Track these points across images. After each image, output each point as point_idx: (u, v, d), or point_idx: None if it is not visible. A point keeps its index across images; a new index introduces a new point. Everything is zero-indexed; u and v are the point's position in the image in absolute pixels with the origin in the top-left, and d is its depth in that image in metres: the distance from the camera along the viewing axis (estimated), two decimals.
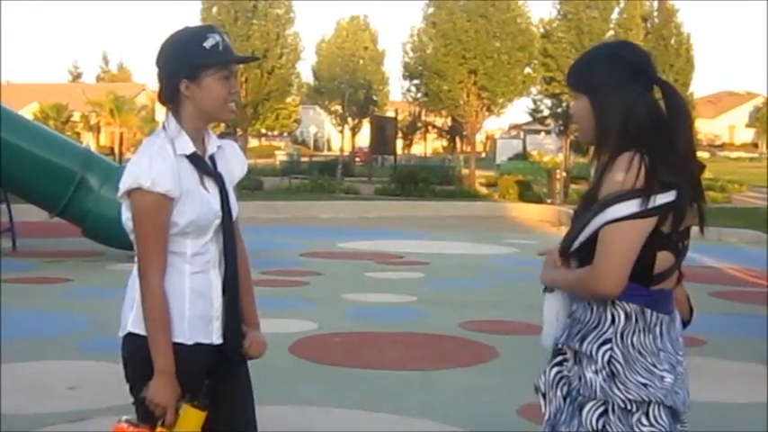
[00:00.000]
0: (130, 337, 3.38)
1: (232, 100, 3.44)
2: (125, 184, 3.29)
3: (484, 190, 35.75)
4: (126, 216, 3.37)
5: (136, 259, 3.36)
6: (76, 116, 70.33)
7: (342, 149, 64.25)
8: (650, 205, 2.90)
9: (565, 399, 3.10)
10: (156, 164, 3.27)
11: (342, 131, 66.28)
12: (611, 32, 43.83)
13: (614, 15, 44.47)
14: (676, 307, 3.14)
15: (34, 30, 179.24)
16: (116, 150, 52.43)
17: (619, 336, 3.01)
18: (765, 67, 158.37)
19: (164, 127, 3.42)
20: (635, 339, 3.00)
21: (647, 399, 2.98)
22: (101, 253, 15.35)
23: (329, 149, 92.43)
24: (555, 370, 3.16)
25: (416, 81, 47.32)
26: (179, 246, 3.35)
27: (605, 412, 3.00)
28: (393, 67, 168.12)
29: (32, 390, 7.34)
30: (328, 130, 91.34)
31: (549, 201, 30.32)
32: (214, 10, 40.84)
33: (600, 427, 3.00)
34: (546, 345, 3.22)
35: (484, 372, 8.36)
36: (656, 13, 48.76)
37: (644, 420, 2.99)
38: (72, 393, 7.28)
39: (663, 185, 2.93)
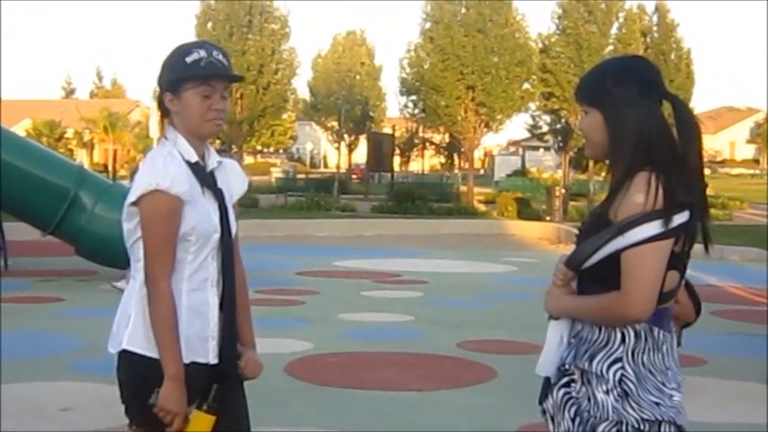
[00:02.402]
0: (125, 354, 3.34)
1: (214, 117, 3.38)
2: (141, 187, 3.25)
3: (482, 207, 35.64)
4: (129, 226, 3.32)
5: (135, 271, 3.34)
6: (70, 133, 70.29)
7: (338, 166, 64.22)
8: (670, 226, 2.90)
9: (573, 420, 3.05)
10: (171, 166, 3.28)
11: (338, 148, 66.30)
12: (611, 47, 43.86)
13: (613, 30, 44.54)
14: (679, 310, 3.16)
15: (26, 45, 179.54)
16: (110, 167, 52.50)
17: (630, 354, 2.99)
18: (766, 82, 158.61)
19: (166, 137, 3.41)
20: (645, 358, 3.00)
21: (659, 418, 2.97)
22: (94, 272, 15.25)
23: (325, 166, 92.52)
24: (562, 391, 3.09)
25: (414, 97, 47.31)
26: (177, 262, 3.30)
27: None
28: (390, 83, 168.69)
29: (24, 411, 7.24)
30: (324, 146, 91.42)
31: (548, 218, 30.25)
32: (209, 25, 40.86)
33: None
34: (542, 372, 3.15)
35: (482, 392, 8.26)
36: (655, 28, 48.86)
37: None
38: (64, 415, 7.21)
39: (679, 205, 2.92)
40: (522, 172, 61.14)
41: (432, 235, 25.23)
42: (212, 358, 3.39)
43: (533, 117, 51.17)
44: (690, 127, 3.04)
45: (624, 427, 2.97)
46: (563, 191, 31.78)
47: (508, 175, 58.41)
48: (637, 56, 3.24)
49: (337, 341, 10.23)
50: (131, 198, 3.26)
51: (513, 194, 35.35)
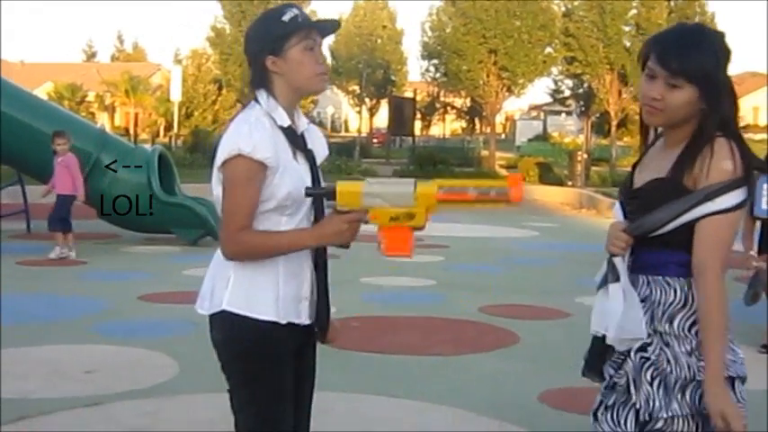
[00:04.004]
0: (225, 315, 3.34)
1: (323, 71, 3.41)
2: (224, 152, 3.24)
3: (504, 172, 35.57)
4: (218, 191, 3.33)
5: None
6: (91, 96, 70.31)
7: (359, 130, 64.13)
8: (749, 193, 3.01)
9: (652, 383, 3.05)
10: (256, 131, 3.25)
11: (359, 112, 66.16)
12: (634, 11, 43.56)
13: None
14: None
15: (48, 8, 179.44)
16: (131, 131, 52.59)
17: None
18: None
19: (256, 100, 3.38)
20: None
21: (735, 374, 3.04)
22: (116, 235, 15.31)
23: (347, 130, 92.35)
24: (638, 356, 3.09)
25: (435, 61, 47.20)
26: (274, 225, 3.32)
27: (732, 388, 3.02)
28: (412, 47, 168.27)
29: (48, 374, 7.26)
30: (346, 110, 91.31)
31: (569, 183, 30.17)
32: None
33: (704, 407, 3.00)
34: (627, 335, 3.13)
35: (504, 357, 8.24)
36: None
37: (732, 396, 3.00)
38: (88, 377, 7.22)
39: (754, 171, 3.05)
40: (543, 137, 60.88)
41: None
42: (306, 319, 3.42)
43: (555, 81, 51.00)
44: (736, 101, 3.12)
45: (736, 382, 3.04)
46: (585, 156, 31.68)
47: (530, 140, 58.18)
48: (718, 30, 3.19)
49: (359, 305, 10.23)
50: (218, 163, 3.27)
51: (535, 159, 35.28)
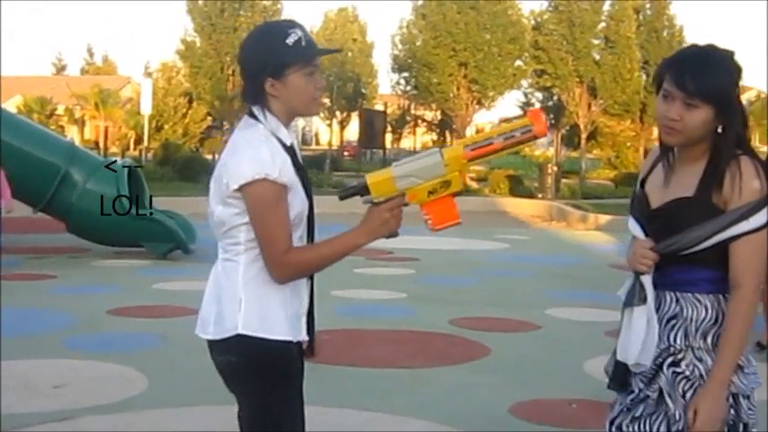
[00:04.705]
0: (241, 338, 3.28)
1: (319, 95, 3.39)
2: (247, 175, 3.17)
3: (474, 185, 35.62)
4: (228, 211, 3.26)
5: (233, 254, 3.31)
6: (60, 109, 69.91)
7: (330, 143, 64.06)
8: None
9: (683, 396, 3.15)
10: (277, 155, 3.24)
11: (330, 125, 66.07)
12: (603, 24, 43.79)
13: (606, 7, 44.46)
14: None
15: (17, 21, 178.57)
16: (101, 144, 52.36)
17: None
18: (765, 60, 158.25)
19: (254, 117, 3.33)
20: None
21: (755, 386, 3.20)
22: (85, 249, 15.23)
23: (317, 143, 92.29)
24: (671, 371, 3.19)
25: (406, 74, 47.30)
26: None
27: (735, 403, 3.14)
28: (382, 60, 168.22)
29: (17, 389, 7.21)
30: (316, 123, 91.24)
31: (540, 195, 30.26)
32: (200, 2, 40.69)
33: (734, 415, 3.14)
34: (639, 360, 3.24)
35: (475, 370, 8.25)
36: (648, 5, 48.72)
37: (747, 404, 3.17)
38: (58, 392, 7.18)
39: None
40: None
41: None
42: (304, 335, 3.43)
43: (525, 94, 51.17)
44: (747, 118, 3.25)
45: (740, 399, 3.15)
46: (555, 168, 31.78)
47: None
48: (729, 50, 3.26)
49: (330, 318, 10.19)
50: (234, 185, 3.19)
51: (505, 172, 35.32)
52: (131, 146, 60.33)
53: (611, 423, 3.33)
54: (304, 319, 3.43)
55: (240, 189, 3.19)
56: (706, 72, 3.13)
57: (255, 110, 3.33)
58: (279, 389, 3.35)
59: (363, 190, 3.24)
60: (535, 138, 3.19)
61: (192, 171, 32.23)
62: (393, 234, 3.29)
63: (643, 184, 3.36)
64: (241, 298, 3.28)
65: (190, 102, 52.98)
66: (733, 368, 3.11)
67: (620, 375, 3.34)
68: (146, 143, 44.95)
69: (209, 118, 54.18)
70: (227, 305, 3.30)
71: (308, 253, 3.31)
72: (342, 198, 3.32)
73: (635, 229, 3.31)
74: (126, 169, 14.99)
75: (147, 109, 40.37)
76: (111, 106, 63.86)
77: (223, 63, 42.10)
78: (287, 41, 3.26)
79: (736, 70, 3.17)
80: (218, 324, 3.31)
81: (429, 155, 3.22)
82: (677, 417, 3.14)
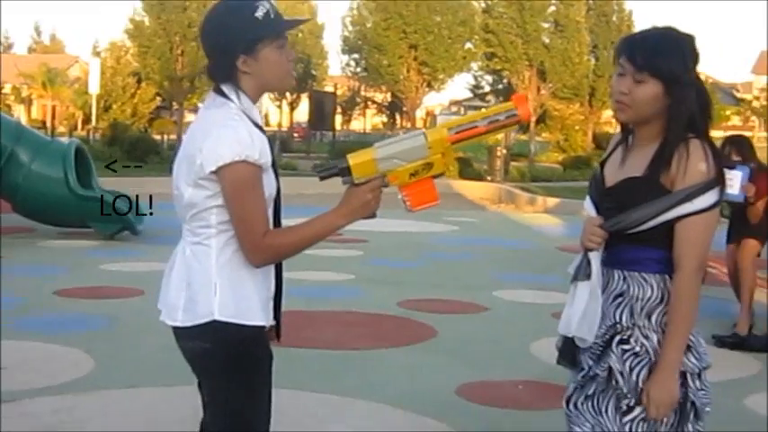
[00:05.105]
0: (217, 325, 3.19)
1: (291, 68, 3.34)
2: (228, 155, 3.08)
3: None
4: (201, 193, 3.17)
5: (203, 238, 3.22)
6: (7, 88, 69.13)
7: (280, 125, 63.99)
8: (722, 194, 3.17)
9: (631, 373, 3.20)
10: (255, 136, 3.15)
11: (280, 107, 66.05)
12: (553, 8, 43.94)
13: None
14: None
15: None
16: (48, 124, 51.82)
17: None
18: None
19: (225, 95, 3.23)
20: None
21: (707, 365, 3.25)
22: (32, 229, 15.09)
23: (267, 125, 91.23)
24: (620, 348, 3.23)
25: (356, 55, 47.23)
26: None
27: (684, 382, 3.19)
28: (332, 42, 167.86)
29: None
30: (266, 105, 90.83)
31: (489, 178, 30.34)
32: None
33: (683, 394, 3.18)
34: (579, 333, 3.29)
35: (423, 351, 8.29)
36: None
37: (699, 384, 3.22)
38: (3, 374, 7.09)
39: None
40: None
41: None
42: (272, 319, 3.37)
43: (475, 77, 51.35)
44: (709, 102, 3.26)
45: (688, 378, 3.19)
46: (504, 151, 31.84)
47: None
48: (686, 33, 3.29)
49: None
50: (212, 167, 3.10)
51: (455, 154, 35.40)
52: (79, 125, 59.76)
53: (567, 402, 3.37)
54: (271, 303, 3.35)
55: (217, 171, 3.10)
56: (657, 49, 3.19)
57: (225, 88, 3.24)
58: (252, 374, 3.30)
59: (345, 171, 3.20)
60: (519, 122, 3.19)
61: (140, 151, 31.99)
62: (372, 216, 3.27)
63: (603, 165, 3.41)
64: (215, 283, 3.19)
65: (138, 82, 52.56)
66: (682, 350, 3.15)
67: (568, 351, 3.38)
68: (94, 123, 44.62)
69: (158, 98, 53.81)
70: (200, 290, 3.20)
71: (286, 236, 3.22)
72: (322, 178, 3.25)
73: (589, 207, 3.36)
74: (73, 149, 14.85)
75: (95, 88, 40.08)
76: (59, 85, 63.24)
77: (172, 43, 41.83)
78: (256, 15, 3.18)
79: (691, 52, 3.21)
80: (190, 310, 3.22)
81: (412, 137, 3.20)
82: (627, 394, 3.19)
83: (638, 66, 3.17)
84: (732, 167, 8.07)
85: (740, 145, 8.93)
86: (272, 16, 3.22)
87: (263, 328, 3.27)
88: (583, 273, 3.27)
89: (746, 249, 9.08)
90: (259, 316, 3.24)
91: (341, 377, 7.32)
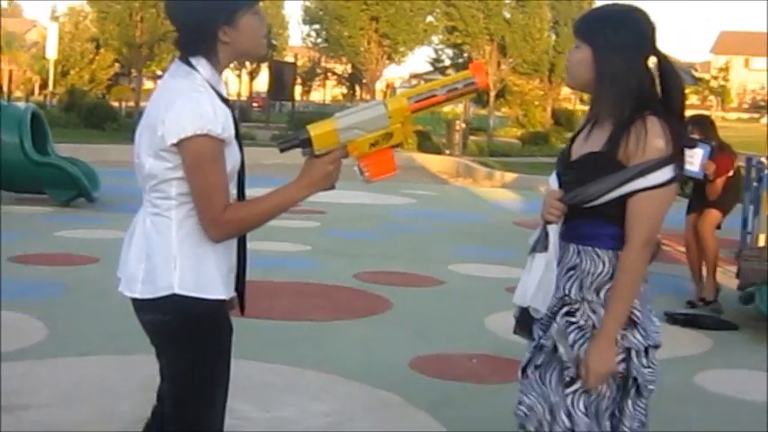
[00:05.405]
0: (176, 298, 3.14)
1: (265, 33, 3.34)
2: (189, 128, 3.04)
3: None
4: (162, 165, 3.12)
5: (162, 210, 3.16)
6: None
7: (239, 94, 63.63)
8: (679, 171, 3.19)
9: (573, 346, 3.24)
10: (219, 109, 3.12)
11: (239, 76, 65.59)
12: None
13: None
14: None
15: None
16: (4, 88, 51.23)
17: None
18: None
19: (191, 65, 3.20)
20: (644, 289, 3.27)
21: (654, 343, 3.28)
22: None
23: (226, 94, 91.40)
24: (564, 320, 3.26)
25: (317, 26, 47.03)
26: None
27: (627, 358, 3.22)
28: (293, 12, 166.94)
29: None
30: (225, 73, 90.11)
31: (447, 152, 30.40)
32: None
33: (622, 370, 3.22)
34: (532, 303, 3.33)
35: (377, 323, 8.32)
36: None
37: (645, 362, 3.25)
38: None
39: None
40: None
41: None
42: (233, 291, 3.32)
43: (436, 50, 51.20)
44: (675, 80, 3.28)
45: (632, 353, 3.22)
46: (463, 125, 31.92)
47: None
48: (640, 9, 3.33)
49: None
50: (173, 139, 3.05)
51: (414, 127, 35.39)
52: (36, 91, 59.17)
53: (523, 371, 3.41)
54: (233, 275, 3.31)
55: (178, 144, 3.06)
56: (594, 18, 3.31)
57: (195, 60, 3.21)
58: (212, 346, 3.27)
59: (305, 142, 3.17)
60: (477, 90, 3.19)
61: (97, 118, 31.74)
62: (332, 187, 3.24)
63: (573, 141, 3.45)
64: (176, 256, 3.14)
65: (97, 47, 52.01)
66: (621, 322, 3.18)
67: (524, 321, 3.42)
68: (51, 88, 44.18)
69: (117, 65, 53.29)
70: (160, 263, 3.16)
71: (246, 209, 3.18)
72: (282, 150, 3.23)
73: (552, 181, 3.41)
74: (29, 114, 14.72)
75: (52, 53, 39.63)
76: (16, 50, 62.52)
77: (131, 9, 41.33)
78: None
79: (641, 25, 3.25)
80: (149, 282, 3.18)
81: (372, 106, 3.18)
82: (568, 365, 3.24)
83: (575, 32, 3.31)
84: (693, 146, 8.15)
85: (702, 124, 9.05)
86: None
87: (223, 301, 3.24)
88: (540, 245, 3.31)
89: (708, 218, 9.22)
90: (219, 289, 3.20)
91: (296, 348, 7.33)
